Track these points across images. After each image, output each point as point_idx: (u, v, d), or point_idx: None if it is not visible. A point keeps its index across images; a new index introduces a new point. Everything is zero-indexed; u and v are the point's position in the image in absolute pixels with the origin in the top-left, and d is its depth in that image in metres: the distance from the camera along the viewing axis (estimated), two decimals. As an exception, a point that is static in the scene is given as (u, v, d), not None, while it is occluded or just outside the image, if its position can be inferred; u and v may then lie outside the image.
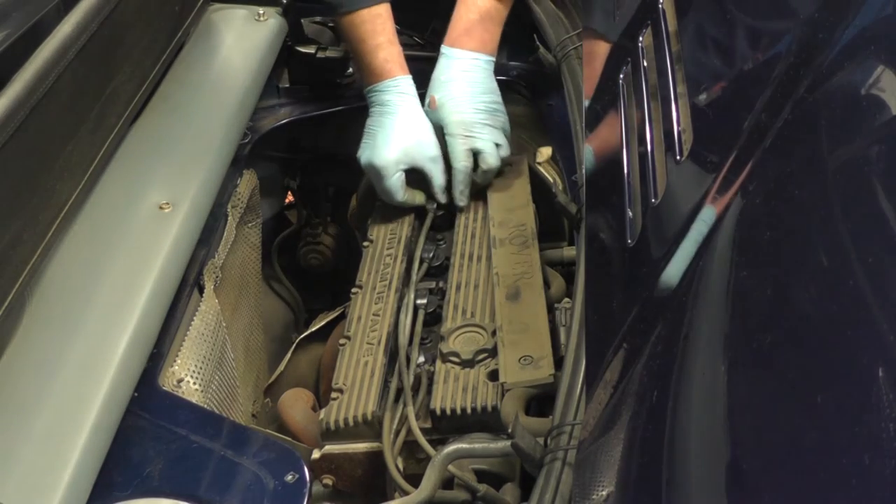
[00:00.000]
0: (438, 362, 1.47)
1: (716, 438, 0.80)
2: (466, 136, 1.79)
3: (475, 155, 1.80)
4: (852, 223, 0.80)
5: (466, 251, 1.70)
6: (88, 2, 1.53)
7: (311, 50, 2.14)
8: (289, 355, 1.83)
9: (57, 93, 1.41)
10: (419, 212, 1.84)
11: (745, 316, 0.86)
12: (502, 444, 1.29)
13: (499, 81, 1.92)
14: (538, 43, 2.00)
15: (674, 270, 1.00)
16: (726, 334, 0.87)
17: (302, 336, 1.87)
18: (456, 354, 1.46)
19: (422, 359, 1.50)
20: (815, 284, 0.80)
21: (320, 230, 2.25)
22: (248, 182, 1.90)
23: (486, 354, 1.46)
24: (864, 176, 0.83)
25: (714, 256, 0.95)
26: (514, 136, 1.92)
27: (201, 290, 1.63)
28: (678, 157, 1.13)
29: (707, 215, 1.00)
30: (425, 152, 1.81)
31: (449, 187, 1.81)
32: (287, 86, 2.15)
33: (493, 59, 1.86)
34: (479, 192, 1.83)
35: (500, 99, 1.84)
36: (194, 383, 1.48)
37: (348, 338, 1.56)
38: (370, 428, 1.40)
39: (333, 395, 1.45)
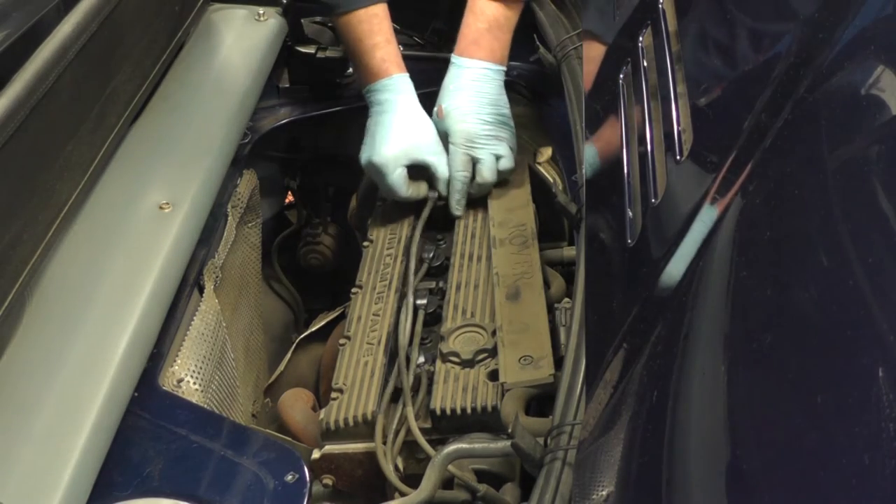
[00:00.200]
0: (438, 362, 1.47)
1: (716, 438, 0.80)
2: (468, 146, 1.79)
3: (475, 165, 1.80)
4: (852, 223, 0.80)
5: (466, 251, 1.70)
6: (88, 2, 1.53)
7: (311, 50, 2.14)
8: (289, 355, 1.83)
9: (57, 93, 1.41)
10: (419, 212, 1.84)
11: (745, 316, 0.86)
12: (502, 444, 1.29)
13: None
14: (538, 43, 2.00)
15: (674, 270, 1.00)
16: (726, 334, 0.87)
17: (302, 336, 1.87)
18: (456, 354, 1.46)
19: (422, 359, 1.50)
20: (815, 284, 0.80)
21: (320, 230, 2.25)
22: (248, 182, 1.90)
23: (486, 354, 1.46)
24: (864, 176, 0.83)
25: (714, 256, 0.95)
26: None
27: (201, 290, 1.63)
28: (678, 157, 1.13)
29: (707, 215, 1.00)
30: (426, 146, 1.80)
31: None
32: (287, 86, 2.15)
33: (504, 68, 1.85)
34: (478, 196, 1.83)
35: (508, 111, 1.84)
36: (194, 383, 1.48)
37: (348, 338, 1.56)
38: (370, 428, 1.40)
39: (333, 395, 1.45)
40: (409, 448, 1.39)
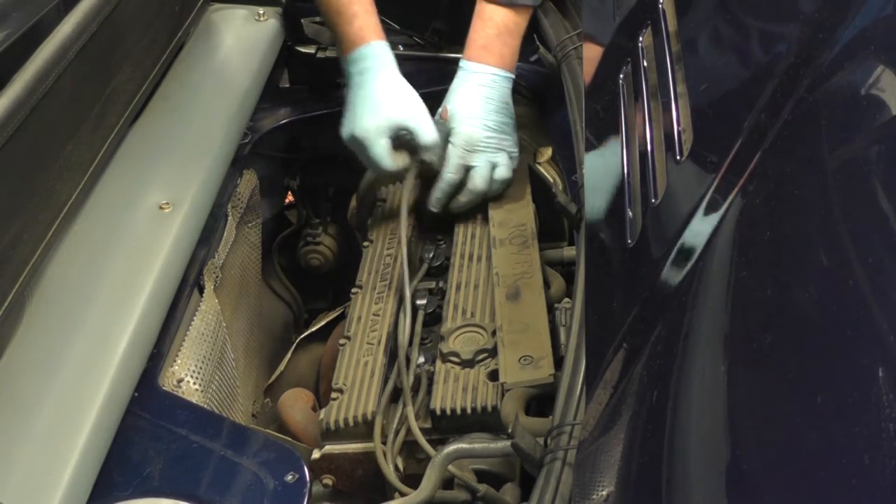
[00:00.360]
0: (438, 362, 1.47)
1: (716, 438, 0.80)
2: (466, 150, 1.76)
3: (468, 171, 1.76)
4: (852, 223, 0.80)
5: (466, 251, 1.70)
6: (88, 2, 1.53)
7: (311, 50, 2.14)
8: (289, 355, 1.83)
9: (57, 93, 1.41)
10: (419, 212, 1.84)
11: (745, 316, 0.86)
12: (502, 444, 1.29)
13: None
14: (538, 43, 2.00)
15: (674, 270, 1.00)
16: (726, 334, 0.87)
17: (302, 336, 1.87)
18: (456, 354, 1.46)
19: (422, 359, 1.50)
20: (815, 284, 0.80)
21: (320, 230, 2.25)
22: (248, 182, 1.90)
23: (486, 354, 1.46)
24: (864, 176, 0.83)
25: (714, 256, 0.95)
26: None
27: (201, 290, 1.63)
28: (678, 157, 1.13)
29: (707, 215, 1.00)
30: (407, 111, 1.75)
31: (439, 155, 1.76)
32: (287, 86, 2.15)
33: (512, 76, 1.83)
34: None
35: (512, 120, 1.82)
36: (194, 383, 1.48)
37: (348, 338, 1.56)
38: (370, 428, 1.40)
39: (333, 395, 1.45)
40: (409, 448, 1.39)
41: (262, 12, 2.09)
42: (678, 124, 1.17)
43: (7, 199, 1.32)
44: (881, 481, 0.63)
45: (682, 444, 0.84)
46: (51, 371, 1.33)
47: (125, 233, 1.56)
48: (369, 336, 1.56)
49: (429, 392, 1.43)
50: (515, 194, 1.81)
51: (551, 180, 1.86)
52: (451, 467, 1.29)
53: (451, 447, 1.30)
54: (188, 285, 1.60)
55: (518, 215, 1.74)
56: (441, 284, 1.65)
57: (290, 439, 1.47)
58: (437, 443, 1.36)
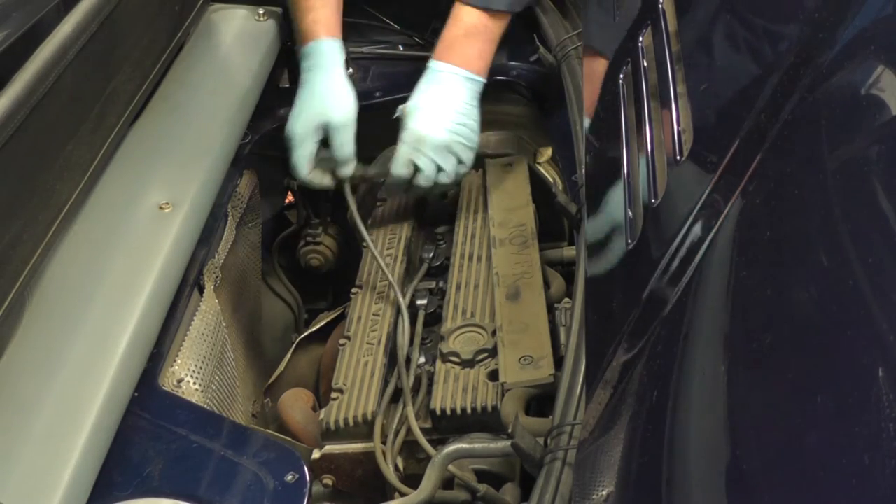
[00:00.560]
0: (438, 362, 1.47)
1: (716, 438, 0.80)
2: (414, 149, 1.71)
3: (416, 169, 1.73)
4: (852, 223, 0.80)
5: (466, 251, 1.70)
6: (88, 2, 1.53)
7: (310, 50, 2.13)
8: (289, 355, 1.83)
9: (57, 93, 1.41)
10: (420, 212, 1.84)
11: (745, 316, 0.86)
12: (502, 444, 1.29)
13: (499, 81, 1.91)
14: (538, 43, 2.00)
15: (674, 270, 1.00)
16: (726, 334, 0.87)
17: (302, 336, 1.87)
18: (456, 354, 1.46)
19: (422, 359, 1.50)
20: (815, 284, 0.80)
21: (320, 230, 2.24)
22: (248, 182, 1.90)
23: (486, 354, 1.46)
24: (864, 176, 0.83)
25: (714, 256, 0.95)
26: (514, 136, 1.91)
27: (201, 290, 1.63)
28: (678, 157, 1.13)
29: (707, 215, 1.00)
30: (331, 118, 1.71)
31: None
32: (287, 86, 2.15)
33: (480, 79, 1.76)
34: (478, 191, 1.83)
35: (472, 124, 1.74)
36: (194, 383, 1.48)
37: (348, 338, 1.56)
38: (370, 428, 1.40)
39: (333, 395, 1.46)
40: (410, 448, 1.39)
41: (262, 12, 2.09)
42: (678, 124, 1.17)
43: (7, 199, 1.32)
44: (881, 481, 0.63)
45: (682, 444, 0.84)
46: (51, 371, 1.33)
47: (125, 233, 1.56)
48: (369, 336, 1.56)
49: (429, 392, 1.43)
50: (515, 194, 1.81)
51: (551, 180, 1.86)
52: (451, 467, 1.29)
53: (451, 447, 1.30)
54: (188, 285, 1.60)
55: (518, 215, 1.74)
56: (441, 284, 1.65)
57: (290, 439, 1.47)
58: (437, 443, 1.36)
